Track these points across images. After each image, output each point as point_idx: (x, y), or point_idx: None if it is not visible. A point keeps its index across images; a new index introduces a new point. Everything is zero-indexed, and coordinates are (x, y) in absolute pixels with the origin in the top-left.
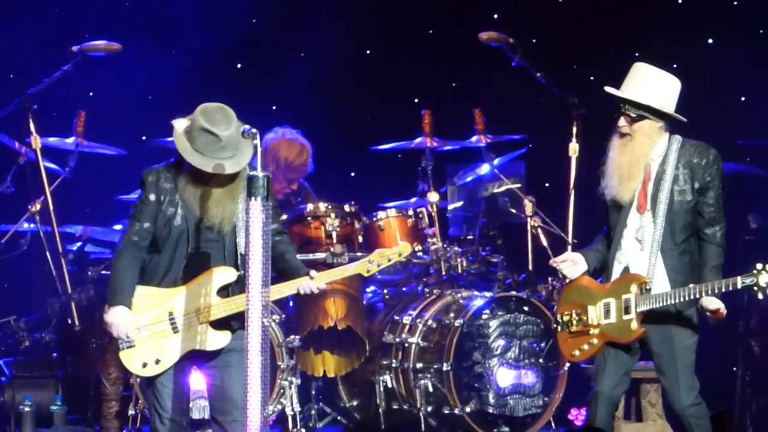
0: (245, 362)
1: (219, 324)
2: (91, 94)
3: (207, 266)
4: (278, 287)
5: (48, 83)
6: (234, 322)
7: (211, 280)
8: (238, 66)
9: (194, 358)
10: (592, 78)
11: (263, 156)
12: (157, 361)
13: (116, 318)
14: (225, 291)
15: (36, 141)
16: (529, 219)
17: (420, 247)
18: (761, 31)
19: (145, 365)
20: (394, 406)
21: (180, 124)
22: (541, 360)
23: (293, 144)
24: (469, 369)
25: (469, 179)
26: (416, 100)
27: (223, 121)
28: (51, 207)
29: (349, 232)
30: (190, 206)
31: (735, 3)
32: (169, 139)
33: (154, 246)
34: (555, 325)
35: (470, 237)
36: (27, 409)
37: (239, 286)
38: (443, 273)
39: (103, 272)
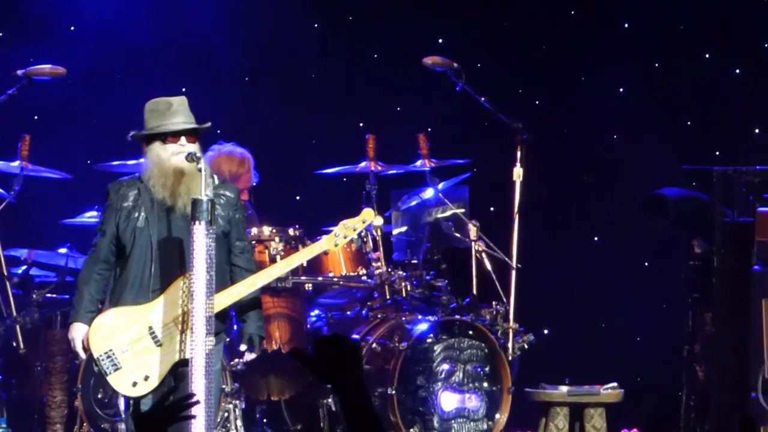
0: (217, 385)
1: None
2: (36, 117)
3: (177, 268)
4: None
5: None
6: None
7: (184, 288)
8: (183, 90)
9: (179, 371)
10: (537, 102)
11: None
12: (146, 378)
13: (72, 333)
14: None
15: None
16: (473, 243)
17: (364, 271)
18: (707, 56)
19: (135, 384)
20: (339, 430)
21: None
22: (485, 384)
23: (232, 157)
24: (413, 393)
25: (413, 203)
26: (361, 124)
27: (176, 99)
28: None
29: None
30: (154, 208)
31: (681, 27)
32: (115, 162)
33: (122, 254)
34: None
35: (414, 261)
36: None
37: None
38: (387, 297)
39: (48, 295)
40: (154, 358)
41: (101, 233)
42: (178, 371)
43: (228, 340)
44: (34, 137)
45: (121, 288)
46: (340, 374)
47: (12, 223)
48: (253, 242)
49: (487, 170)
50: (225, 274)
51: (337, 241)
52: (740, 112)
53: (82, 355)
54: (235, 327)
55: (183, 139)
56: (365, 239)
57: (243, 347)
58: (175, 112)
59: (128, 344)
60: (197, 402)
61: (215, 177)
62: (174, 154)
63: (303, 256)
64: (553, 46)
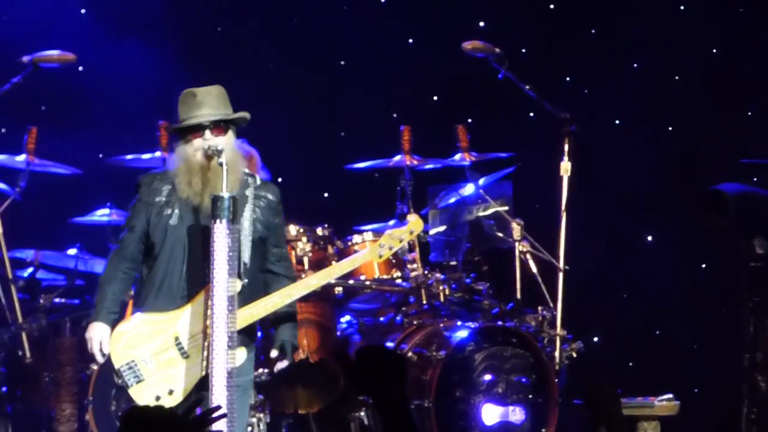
0: (246, 399)
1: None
2: (43, 108)
3: (206, 276)
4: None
5: None
6: (241, 338)
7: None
8: (202, 78)
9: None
10: (585, 91)
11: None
12: (171, 392)
13: (90, 333)
14: None
15: None
16: (517, 244)
17: (399, 274)
18: None
19: (158, 398)
20: None
21: None
22: (530, 395)
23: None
24: (451, 406)
25: (451, 201)
26: (395, 115)
27: (204, 89)
28: (0, 230)
29: (321, 258)
30: (188, 205)
31: (741, 10)
32: (129, 157)
33: (150, 253)
34: None
35: (453, 263)
36: None
37: (242, 297)
38: (424, 302)
39: (56, 300)
40: (180, 370)
41: (129, 229)
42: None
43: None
44: (40, 129)
45: (148, 291)
46: (383, 386)
47: (17, 223)
48: None
49: (532, 164)
50: (259, 282)
51: (381, 252)
52: None
53: (100, 358)
54: (258, 334)
55: (207, 132)
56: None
57: (274, 353)
58: (200, 103)
59: (152, 355)
60: (224, 415)
61: (257, 177)
62: (197, 150)
63: (344, 267)
64: (603, 30)
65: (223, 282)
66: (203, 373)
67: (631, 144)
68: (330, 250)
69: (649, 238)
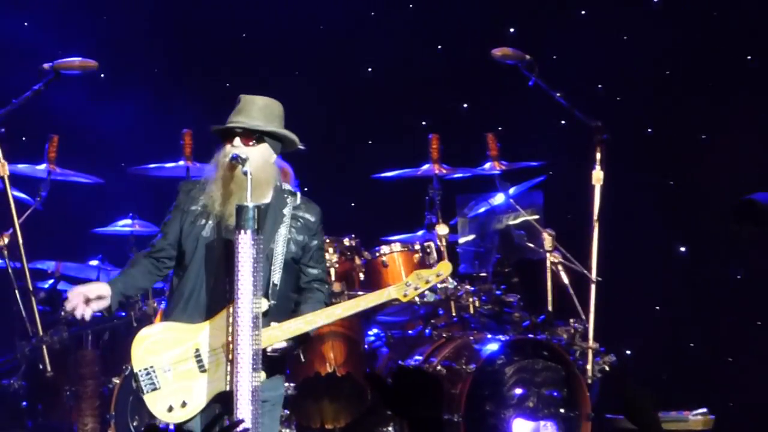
0: (275, 415)
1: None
2: (64, 116)
3: (231, 292)
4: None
5: (17, 104)
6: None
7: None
8: (227, 85)
9: (223, 402)
10: (618, 98)
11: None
12: (184, 404)
13: (90, 285)
14: None
15: (3, 168)
16: (548, 255)
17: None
18: None
19: (171, 409)
20: None
21: None
22: (561, 410)
23: None
24: (481, 420)
25: (481, 210)
26: (423, 123)
27: (251, 97)
28: (20, 241)
29: (348, 269)
30: (222, 216)
31: None
32: (152, 165)
33: (181, 263)
34: None
35: (483, 274)
36: None
37: (269, 319)
38: (453, 314)
39: None
40: (196, 383)
41: (162, 234)
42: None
43: None
44: (62, 138)
45: (176, 300)
46: (418, 409)
47: (38, 233)
48: None
49: (563, 173)
50: (289, 303)
51: (407, 292)
52: None
53: (76, 302)
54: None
55: (237, 140)
56: (428, 250)
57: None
58: (239, 110)
59: (172, 363)
60: (247, 430)
61: (298, 194)
62: (225, 156)
63: (370, 300)
64: (635, 36)
65: (248, 294)
66: (227, 388)
67: (662, 152)
68: (357, 261)
69: (683, 248)
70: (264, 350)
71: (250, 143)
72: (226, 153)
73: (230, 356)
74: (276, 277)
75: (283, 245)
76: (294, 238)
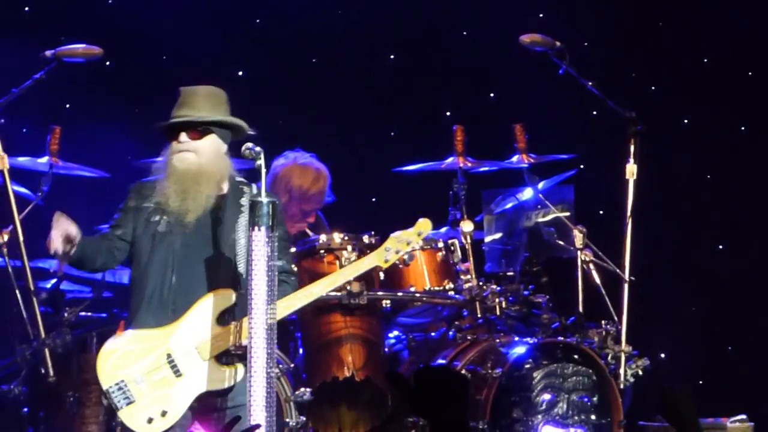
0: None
1: (226, 357)
2: (67, 106)
3: (198, 287)
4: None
5: (17, 93)
6: (233, 354)
7: (209, 308)
8: (239, 73)
9: (199, 406)
10: (652, 88)
11: (273, 185)
12: (164, 414)
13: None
14: (224, 317)
15: (3, 161)
16: (578, 252)
17: (451, 286)
18: None
19: (150, 420)
20: None
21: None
22: (592, 416)
23: (307, 170)
24: (508, 427)
25: (508, 206)
26: (447, 114)
27: (191, 88)
28: (21, 238)
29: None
30: (176, 213)
31: None
32: (159, 159)
33: (137, 262)
34: None
35: (510, 274)
36: None
37: (240, 309)
38: (479, 315)
39: (82, 314)
40: (174, 390)
41: (113, 226)
42: (230, 416)
43: (292, 366)
44: (64, 129)
45: (138, 301)
46: (444, 411)
47: (39, 230)
48: (322, 251)
49: (595, 167)
50: None
51: (387, 257)
52: None
53: (58, 244)
54: (300, 351)
55: (183, 135)
56: (453, 248)
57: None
58: (182, 103)
59: (144, 374)
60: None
61: (253, 185)
62: (173, 153)
63: (348, 273)
64: (670, 22)
65: (263, 293)
66: (208, 388)
67: (699, 144)
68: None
69: (721, 246)
70: (227, 350)
71: (198, 136)
72: (173, 150)
73: (204, 355)
74: (241, 267)
75: (244, 235)
76: None
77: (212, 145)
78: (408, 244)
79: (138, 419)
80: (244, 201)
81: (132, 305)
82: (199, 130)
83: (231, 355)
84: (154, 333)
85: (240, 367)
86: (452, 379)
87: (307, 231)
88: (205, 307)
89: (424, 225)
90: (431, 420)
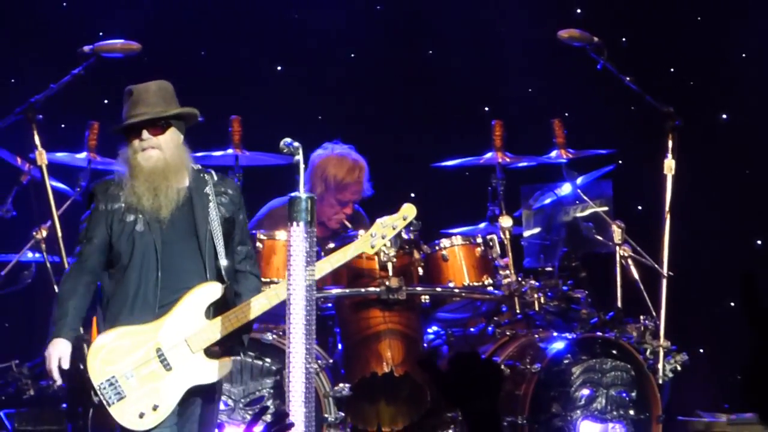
0: (214, 416)
1: (215, 350)
2: (105, 101)
3: (184, 283)
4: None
5: (56, 89)
6: (221, 347)
7: (197, 301)
8: (278, 68)
9: (195, 395)
10: (691, 83)
11: (311, 175)
12: (155, 408)
13: (50, 349)
14: (212, 310)
15: (41, 156)
16: (617, 248)
17: (490, 281)
18: None
19: (142, 415)
20: None
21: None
22: (631, 411)
23: (343, 160)
24: (547, 422)
25: (547, 201)
26: (486, 109)
27: (142, 86)
28: (59, 233)
29: (407, 263)
30: (150, 210)
31: None
32: (199, 154)
33: (116, 264)
34: None
35: (549, 269)
36: None
37: (226, 302)
38: (517, 311)
39: None
40: (164, 384)
41: (87, 240)
42: (189, 409)
43: (331, 361)
44: (103, 124)
45: (120, 305)
46: (475, 397)
47: (78, 225)
48: None
49: (634, 162)
50: (234, 283)
51: (373, 242)
52: None
53: (57, 376)
54: (339, 346)
55: (145, 132)
56: (491, 244)
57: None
58: (136, 102)
59: (133, 369)
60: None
61: (213, 172)
62: (136, 152)
63: (334, 261)
64: (711, 17)
65: (301, 289)
66: (200, 381)
67: (738, 139)
68: (416, 255)
69: (759, 242)
70: (216, 343)
71: (159, 132)
72: (135, 148)
73: (194, 347)
74: (222, 257)
75: (218, 224)
76: (224, 215)
77: (173, 138)
78: (394, 228)
79: (129, 414)
80: (209, 190)
81: (111, 309)
82: (160, 125)
83: (219, 348)
84: (143, 328)
85: (227, 360)
86: (484, 365)
87: (345, 222)
88: (193, 300)
89: (408, 210)
90: (463, 408)
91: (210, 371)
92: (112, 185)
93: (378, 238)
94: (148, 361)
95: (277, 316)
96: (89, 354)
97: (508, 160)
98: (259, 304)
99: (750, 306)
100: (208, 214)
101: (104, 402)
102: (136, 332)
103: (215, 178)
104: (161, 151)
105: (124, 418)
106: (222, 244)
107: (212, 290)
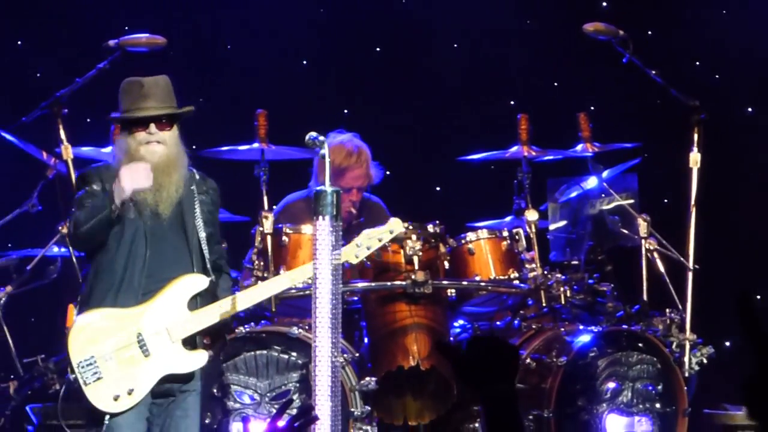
0: (198, 405)
1: (193, 342)
2: None
3: (169, 273)
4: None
5: (81, 83)
6: (201, 339)
7: (182, 291)
8: (303, 62)
9: (155, 387)
10: (716, 76)
11: (317, 168)
12: (130, 392)
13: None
14: (196, 301)
15: (67, 151)
16: (643, 241)
17: (516, 275)
18: None
19: (117, 398)
20: None
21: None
22: (657, 405)
23: (341, 146)
24: (573, 416)
25: (573, 195)
26: (512, 103)
27: (151, 79)
28: None
29: (433, 257)
30: (150, 203)
31: None
32: (225, 148)
33: (103, 248)
34: None
35: (575, 262)
36: None
37: (209, 295)
38: (543, 304)
39: None
40: (140, 369)
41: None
42: (177, 403)
43: (357, 355)
44: None
45: (106, 286)
46: (493, 380)
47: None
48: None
49: (659, 155)
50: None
51: (358, 253)
52: None
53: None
54: (365, 340)
55: (152, 126)
56: (517, 237)
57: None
58: (146, 95)
59: (114, 351)
60: (315, 419)
61: (195, 171)
62: (142, 144)
63: (308, 270)
64: (735, 10)
65: (327, 283)
66: (174, 371)
67: (764, 133)
68: (442, 248)
69: None
70: (195, 335)
71: (166, 128)
72: (140, 140)
73: (174, 337)
74: (206, 253)
75: (202, 222)
76: (205, 213)
77: (175, 135)
78: (380, 240)
79: (104, 395)
80: (194, 187)
81: (94, 294)
82: (166, 121)
83: (197, 341)
84: (127, 312)
85: (204, 353)
86: (502, 347)
87: (352, 210)
88: (178, 290)
89: (395, 224)
90: (480, 390)
91: (186, 362)
92: (103, 170)
93: (363, 249)
94: (128, 345)
95: (304, 310)
96: (72, 331)
97: (533, 153)
98: (240, 301)
99: (748, 326)
100: (194, 210)
101: (81, 381)
102: (119, 315)
103: (197, 177)
104: (166, 147)
105: (99, 400)
106: (206, 240)
107: (197, 282)
